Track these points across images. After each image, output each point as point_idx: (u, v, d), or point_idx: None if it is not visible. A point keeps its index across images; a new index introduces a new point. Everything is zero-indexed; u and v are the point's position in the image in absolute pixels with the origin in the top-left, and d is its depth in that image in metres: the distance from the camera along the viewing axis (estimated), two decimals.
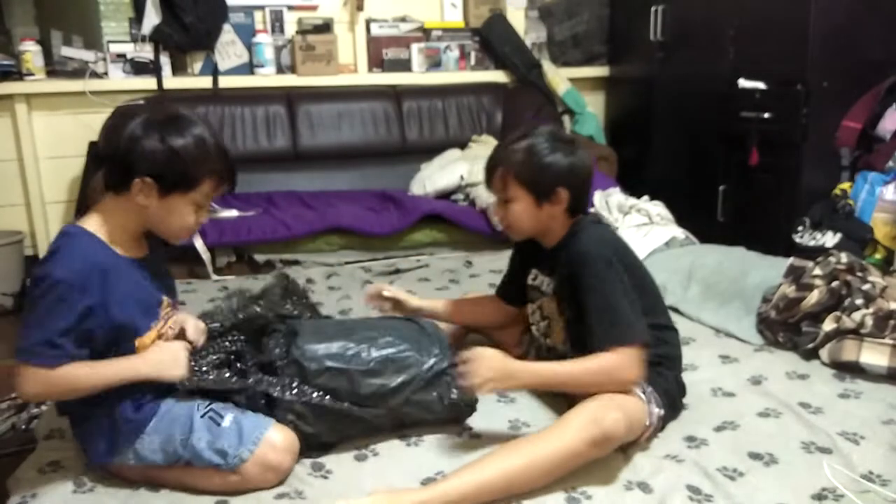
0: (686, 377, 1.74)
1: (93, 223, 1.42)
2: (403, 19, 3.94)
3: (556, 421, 1.47)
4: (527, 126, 1.67)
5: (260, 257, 2.97)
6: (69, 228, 1.41)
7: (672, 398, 1.65)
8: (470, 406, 1.61)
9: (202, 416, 1.43)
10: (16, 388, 1.37)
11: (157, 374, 1.42)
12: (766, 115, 2.96)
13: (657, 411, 1.57)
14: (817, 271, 2.08)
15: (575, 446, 1.40)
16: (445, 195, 3.42)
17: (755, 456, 1.53)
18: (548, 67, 4.00)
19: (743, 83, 3.07)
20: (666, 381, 1.64)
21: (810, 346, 1.99)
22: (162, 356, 1.44)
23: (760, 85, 3.01)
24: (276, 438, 1.43)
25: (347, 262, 2.99)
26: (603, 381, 1.49)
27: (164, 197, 1.40)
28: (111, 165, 1.42)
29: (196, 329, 1.55)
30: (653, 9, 3.56)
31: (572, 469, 1.42)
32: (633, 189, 3.27)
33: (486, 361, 1.47)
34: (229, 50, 3.67)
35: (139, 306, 1.43)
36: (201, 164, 1.40)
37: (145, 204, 1.40)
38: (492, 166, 1.65)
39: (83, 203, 3.04)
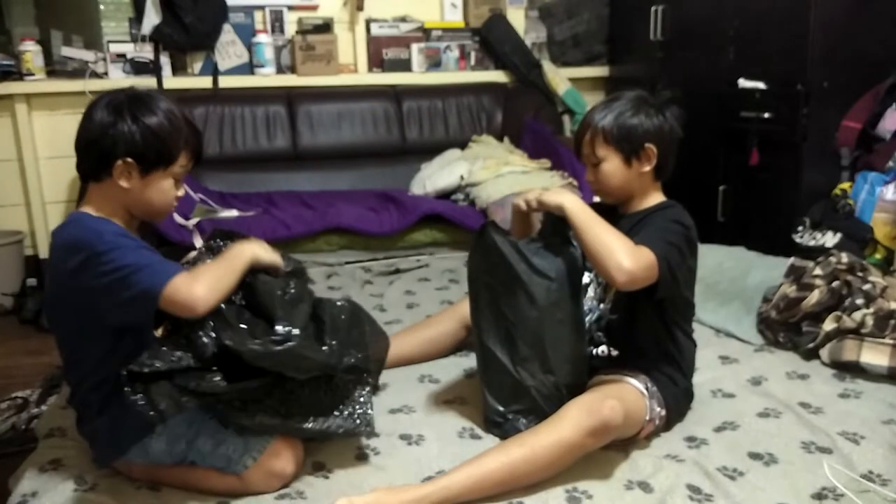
0: None
1: (89, 210, 1.43)
2: (403, 19, 3.94)
3: (554, 414, 1.47)
4: (618, 92, 1.71)
5: None
6: (76, 215, 1.42)
7: (679, 405, 1.66)
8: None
9: (210, 418, 1.43)
10: (191, 306, 1.31)
11: (260, 257, 1.47)
12: (766, 115, 2.96)
13: (658, 410, 1.58)
14: (818, 271, 2.08)
15: (573, 437, 1.40)
16: (445, 195, 3.42)
17: (755, 456, 1.53)
18: (548, 67, 4.00)
19: (743, 83, 3.07)
20: (676, 387, 1.64)
21: (810, 346, 1.99)
22: (255, 247, 1.48)
23: (760, 85, 3.01)
24: (281, 446, 1.43)
25: (347, 262, 2.99)
26: (611, 248, 1.46)
27: (146, 175, 1.41)
28: (86, 155, 1.41)
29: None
30: (653, 9, 3.55)
31: (572, 461, 1.43)
32: None
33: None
34: (229, 50, 3.67)
35: None
36: (177, 137, 1.42)
37: (127, 186, 1.40)
38: (580, 133, 1.68)
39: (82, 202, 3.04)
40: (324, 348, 1.45)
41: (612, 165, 1.63)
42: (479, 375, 1.68)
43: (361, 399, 1.53)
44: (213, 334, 1.35)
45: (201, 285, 1.33)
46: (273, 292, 1.44)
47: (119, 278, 1.31)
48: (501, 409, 1.60)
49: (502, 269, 1.57)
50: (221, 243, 1.55)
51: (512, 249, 1.57)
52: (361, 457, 1.54)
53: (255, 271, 1.47)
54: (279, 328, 1.38)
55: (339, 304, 1.58)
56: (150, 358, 1.33)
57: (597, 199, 1.76)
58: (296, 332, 1.39)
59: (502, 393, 1.61)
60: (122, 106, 1.39)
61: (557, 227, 1.62)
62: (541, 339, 1.56)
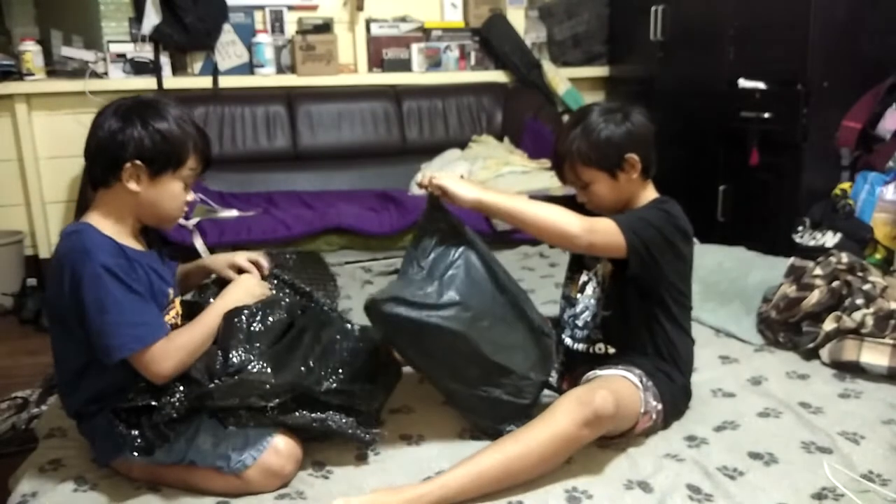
0: None
1: (94, 221, 1.43)
2: (403, 19, 3.94)
3: (547, 408, 1.47)
4: (577, 111, 1.70)
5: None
6: (76, 227, 1.41)
7: (676, 402, 1.66)
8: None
9: (210, 417, 1.43)
10: (152, 376, 1.37)
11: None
12: (766, 115, 2.96)
13: (654, 403, 1.57)
14: (818, 271, 2.08)
15: (566, 429, 1.40)
16: None
17: (755, 456, 1.53)
18: (548, 67, 4.00)
19: (743, 83, 3.07)
20: (673, 384, 1.64)
21: (810, 345, 1.99)
22: (238, 295, 1.52)
23: (760, 85, 3.01)
24: (280, 445, 1.43)
25: (347, 262, 2.99)
26: (555, 218, 1.51)
27: (155, 179, 1.42)
28: (96, 160, 1.42)
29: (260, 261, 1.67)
30: (653, 9, 3.56)
31: (567, 454, 1.43)
32: None
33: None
34: (229, 50, 3.67)
35: (152, 298, 1.44)
36: (185, 140, 1.44)
37: (137, 189, 1.41)
38: (558, 163, 1.67)
39: (83, 203, 3.04)
40: (302, 369, 1.45)
41: (600, 185, 1.64)
42: (453, 406, 1.67)
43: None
44: (182, 396, 1.39)
45: (171, 363, 1.37)
46: (230, 320, 1.45)
47: (99, 323, 1.34)
48: (485, 422, 1.60)
49: (410, 327, 1.48)
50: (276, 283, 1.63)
51: (406, 307, 1.46)
52: (361, 457, 1.54)
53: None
54: (233, 359, 1.40)
55: (349, 327, 1.60)
56: (134, 394, 1.39)
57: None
58: (252, 357, 1.40)
59: (480, 412, 1.60)
60: (130, 111, 1.41)
61: (440, 217, 1.57)
62: (481, 355, 1.51)
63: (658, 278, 1.60)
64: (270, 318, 1.49)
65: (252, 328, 1.45)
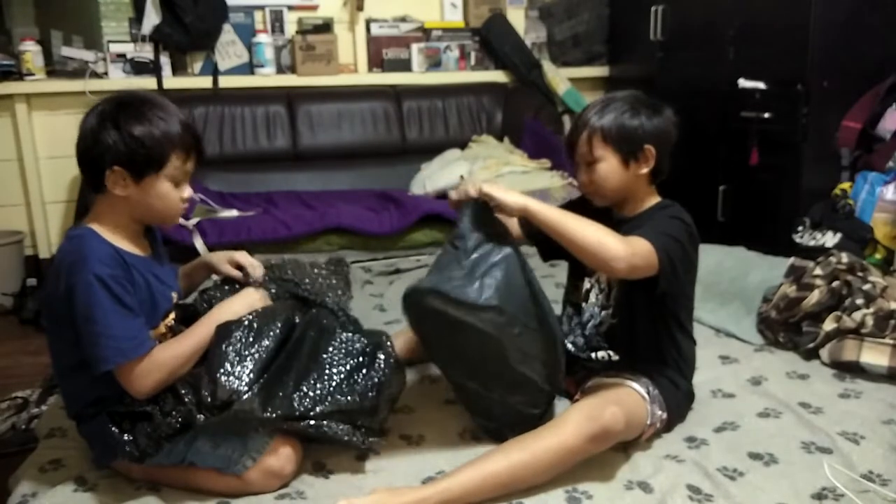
0: None
1: (96, 225, 1.42)
2: (403, 19, 3.94)
3: (555, 418, 1.47)
4: (616, 93, 1.66)
5: (260, 257, 2.96)
6: (78, 231, 1.41)
7: (680, 407, 1.66)
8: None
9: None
10: (131, 391, 1.38)
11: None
12: (766, 115, 2.96)
13: (660, 413, 1.58)
14: (818, 271, 2.08)
15: (574, 442, 1.40)
16: (445, 195, 3.41)
17: (755, 456, 1.53)
18: (548, 67, 4.00)
19: (743, 83, 3.08)
20: (678, 390, 1.64)
21: (811, 345, 1.99)
22: (237, 307, 1.50)
23: (760, 85, 3.01)
24: (280, 446, 1.43)
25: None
26: (599, 240, 1.43)
27: (139, 182, 1.40)
28: (83, 166, 1.42)
29: (255, 267, 1.66)
30: (653, 9, 3.56)
31: (573, 465, 1.43)
32: None
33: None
34: (229, 50, 3.67)
35: (152, 302, 1.44)
36: (164, 141, 1.39)
37: (124, 194, 1.40)
38: (575, 131, 1.63)
39: (83, 205, 3.04)
40: (295, 396, 1.42)
41: (609, 166, 1.60)
42: (461, 404, 1.66)
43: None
44: (175, 413, 1.39)
45: (151, 381, 1.38)
46: (221, 337, 1.42)
47: (87, 332, 1.34)
48: (492, 425, 1.60)
49: (445, 322, 1.46)
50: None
51: (445, 302, 1.42)
52: (362, 457, 1.54)
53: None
54: (222, 383, 1.37)
55: (352, 335, 1.54)
56: (130, 399, 1.40)
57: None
58: (241, 384, 1.38)
59: (490, 416, 1.59)
60: (105, 114, 1.38)
61: (484, 219, 1.53)
62: (506, 361, 1.49)
63: (677, 289, 1.59)
64: (265, 337, 1.45)
65: (245, 350, 1.42)
